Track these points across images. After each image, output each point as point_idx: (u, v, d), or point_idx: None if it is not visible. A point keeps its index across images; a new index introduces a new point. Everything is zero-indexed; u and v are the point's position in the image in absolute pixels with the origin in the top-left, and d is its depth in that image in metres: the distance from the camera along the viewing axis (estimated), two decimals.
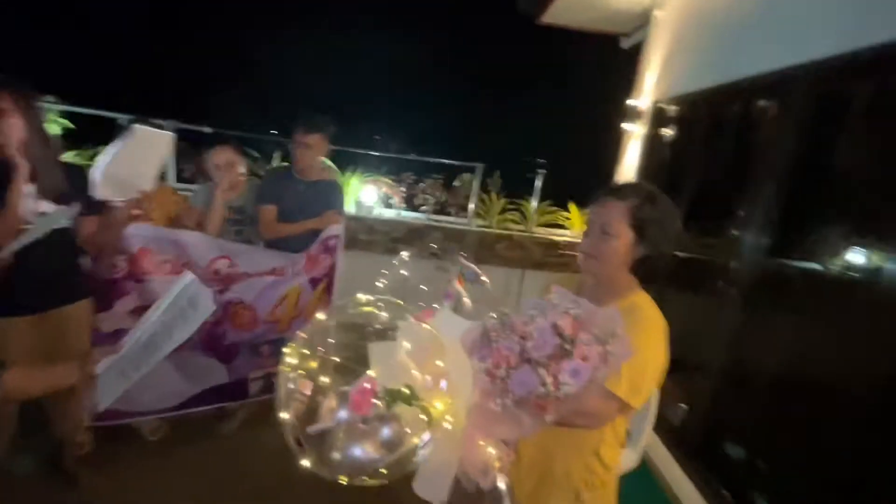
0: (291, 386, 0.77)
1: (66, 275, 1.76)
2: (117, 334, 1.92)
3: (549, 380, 0.74)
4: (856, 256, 1.87)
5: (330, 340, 0.81)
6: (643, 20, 3.75)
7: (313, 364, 0.79)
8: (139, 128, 1.57)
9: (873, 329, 1.55)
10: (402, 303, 0.86)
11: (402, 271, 0.97)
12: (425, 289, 0.93)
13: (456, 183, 4.17)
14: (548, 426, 0.80)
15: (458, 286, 0.99)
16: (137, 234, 1.89)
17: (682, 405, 2.64)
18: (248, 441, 2.35)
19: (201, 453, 2.26)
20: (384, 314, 0.81)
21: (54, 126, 3.49)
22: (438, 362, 0.79)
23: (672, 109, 3.25)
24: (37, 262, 1.60)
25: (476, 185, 3.78)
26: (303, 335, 0.83)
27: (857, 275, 1.85)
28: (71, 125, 3.69)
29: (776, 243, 2.13)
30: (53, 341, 1.72)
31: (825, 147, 2.05)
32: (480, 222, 4.09)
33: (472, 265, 1.08)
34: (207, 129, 2.67)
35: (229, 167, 2.31)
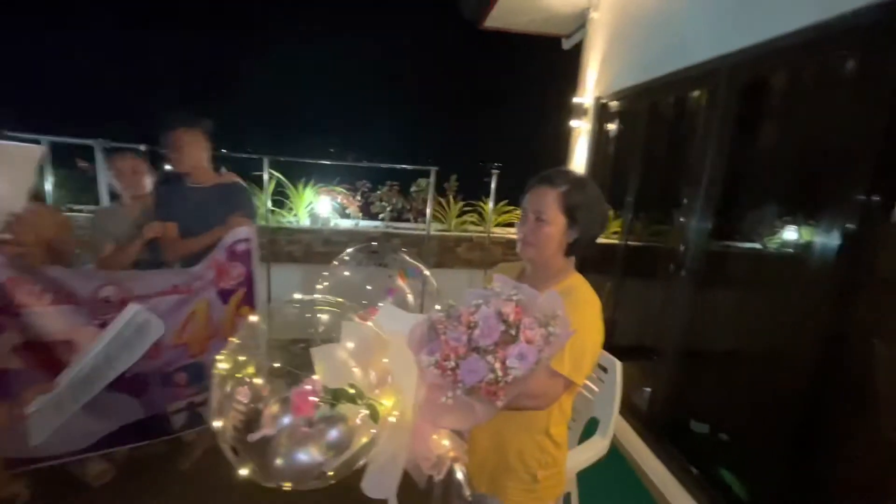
0: (227, 390, 0.73)
1: None
2: (1, 377, 1.72)
3: (497, 366, 0.75)
4: (788, 233, 2.00)
5: (265, 343, 0.77)
6: (581, 21, 3.89)
7: (250, 369, 0.75)
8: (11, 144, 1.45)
9: (809, 298, 1.65)
10: (342, 300, 0.83)
11: (345, 272, 0.94)
12: (370, 288, 0.90)
13: (412, 188, 4.15)
14: (499, 411, 0.80)
15: (400, 282, 0.98)
16: (2, 263, 1.66)
17: (648, 388, 2.73)
18: (209, 474, 2.21)
19: (157, 494, 2.11)
20: (325, 316, 0.78)
21: None
22: (384, 359, 0.77)
23: (614, 105, 3.39)
24: None
25: (431, 188, 3.77)
26: (235, 340, 0.79)
27: (790, 250, 1.98)
28: None
29: (717, 227, 2.24)
30: None
31: (750, 132, 2.18)
32: (439, 226, 4.09)
33: (413, 261, 1.07)
34: (141, 147, 2.52)
35: (134, 174, 2.15)
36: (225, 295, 2.12)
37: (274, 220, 3.83)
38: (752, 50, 1.97)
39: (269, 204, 3.75)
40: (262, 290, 2.72)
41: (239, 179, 2.30)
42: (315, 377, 0.72)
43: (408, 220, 4.14)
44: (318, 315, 0.80)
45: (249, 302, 2.18)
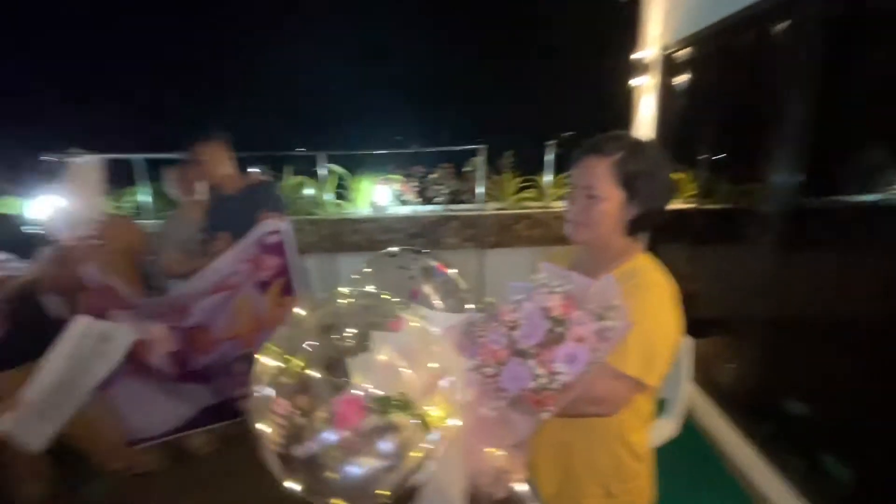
0: (266, 394, 0.71)
1: (53, 320, 1.73)
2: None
3: (541, 370, 0.68)
4: None
5: (307, 345, 0.75)
6: None
7: (295, 369, 0.72)
8: (76, 161, 1.61)
9: None
10: (388, 296, 0.79)
11: (369, 281, 0.91)
12: (397, 298, 0.86)
13: (467, 168, 4.08)
14: (542, 423, 0.73)
15: (426, 286, 0.91)
16: (95, 270, 1.87)
17: (732, 365, 2.50)
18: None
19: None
20: (353, 327, 0.75)
21: None
22: (431, 364, 0.72)
23: (682, 54, 3.04)
24: (29, 312, 1.65)
25: (481, 167, 3.68)
26: (273, 342, 0.77)
27: None
28: None
29: (811, 180, 1.95)
30: None
31: (848, 64, 1.85)
32: (497, 205, 3.99)
33: (435, 261, 1.00)
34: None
35: (187, 182, 2.31)
36: (263, 286, 2.23)
37: (337, 212, 3.97)
38: None
39: (333, 197, 3.90)
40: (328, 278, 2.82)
41: (264, 178, 2.40)
42: (361, 383, 0.69)
43: (465, 202, 4.09)
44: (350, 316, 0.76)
45: (290, 291, 2.26)
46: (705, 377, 2.65)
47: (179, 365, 2.15)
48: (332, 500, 0.67)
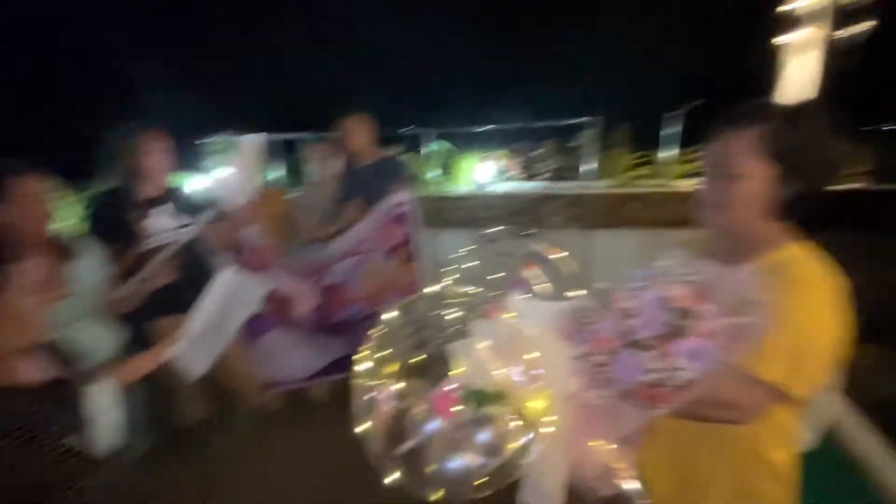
0: (373, 394, 0.73)
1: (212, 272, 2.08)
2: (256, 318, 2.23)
3: (657, 364, 0.61)
4: None
5: (404, 341, 0.77)
6: None
7: (392, 368, 0.75)
8: (245, 139, 1.86)
9: None
10: (478, 290, 0.78)
11: (469, 264, 0.88)
12: (502, 275, 0.83)
13: (576, 142, 3.87)
14: (652, 420, 0.66)
15: (530, 271, 0.85)
16: (258, 232, 2.20)
17: None
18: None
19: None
20: (455, 312, 0.75)
21: None
22: (528, 355, 0.69)
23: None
24: (196, 264, 1.93)
25: (592, 141, 3.45)
26: (373, 338, 0.80)
27: None
28: None
29: None
30: None
31: None
32: (606, 182, 3.74)
33: (539, 244, 0.93)
34: (328, 134, 3.01)
35: (323, 158, 2.55)
36: (391, 253, 2.45)
37: (441, 189, 4.06)
38: None
39: (440, 173, 4.01)
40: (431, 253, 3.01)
41: (393, 153, 2.61)
42: (456, 376, 0.69)
43: (570, 179, 3.90)
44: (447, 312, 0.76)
45: (413, 259, 2.46)
46: (861, 388, 2.23)
47: (319, 318, 2.46)
48: (435, 492, 0.68)
